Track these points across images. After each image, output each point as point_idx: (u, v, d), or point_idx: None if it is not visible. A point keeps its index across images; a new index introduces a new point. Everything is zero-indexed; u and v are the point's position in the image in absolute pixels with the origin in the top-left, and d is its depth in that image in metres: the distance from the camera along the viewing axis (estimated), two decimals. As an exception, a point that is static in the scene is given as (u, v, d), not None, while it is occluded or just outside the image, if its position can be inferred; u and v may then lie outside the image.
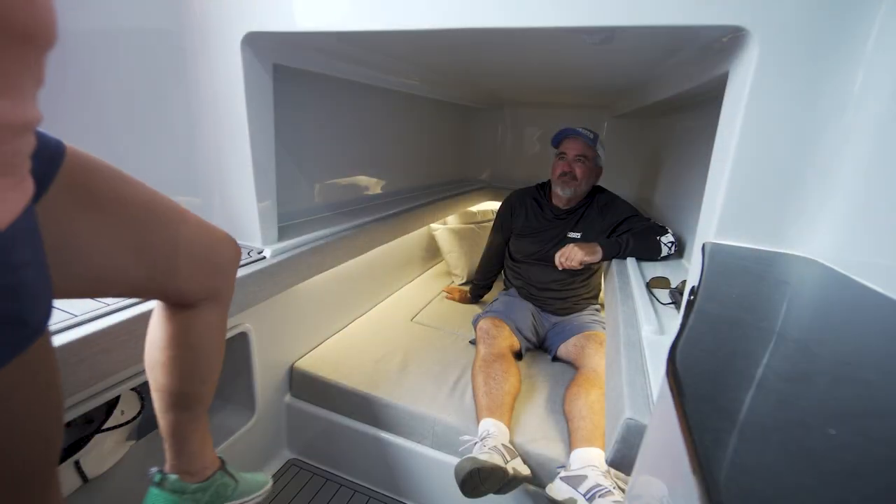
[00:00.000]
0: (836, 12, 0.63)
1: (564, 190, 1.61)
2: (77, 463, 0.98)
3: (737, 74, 0.74)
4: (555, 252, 1.53)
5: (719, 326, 0.42)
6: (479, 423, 1.20)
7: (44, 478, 0.39)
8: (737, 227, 0.75)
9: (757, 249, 0.73)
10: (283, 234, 1.23)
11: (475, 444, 1.13)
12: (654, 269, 1.29)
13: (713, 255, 0.70)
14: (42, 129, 0.43)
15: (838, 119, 0.66)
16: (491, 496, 1.07)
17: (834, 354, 0.38)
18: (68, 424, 0.95)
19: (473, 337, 1.62)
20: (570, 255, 1.47)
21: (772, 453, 0.24)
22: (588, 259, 1.45)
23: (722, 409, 0.28)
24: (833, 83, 0.65)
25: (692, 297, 0.53)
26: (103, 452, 1.04)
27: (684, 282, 1.02)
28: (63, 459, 0.95)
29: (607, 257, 1.46)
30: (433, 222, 2.21)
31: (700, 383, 0.31)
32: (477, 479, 1.01)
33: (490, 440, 1.11)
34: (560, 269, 1.51)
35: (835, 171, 0.67)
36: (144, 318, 0.73)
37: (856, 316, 0.51)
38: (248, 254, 1.09)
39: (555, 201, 1.71)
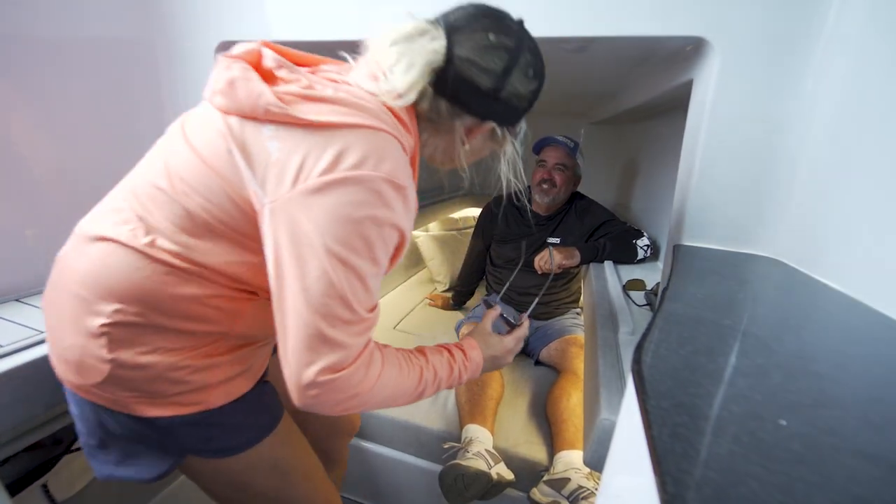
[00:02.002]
0: (789, 22, 0.66)
1: (543, 197, 1.63)
2: (45, 486, 0.94)
3: (700, 82, 0.78)
4: (535, 257, 1.55)
5: (684, 326, 0.43)
6: (462, 429, 1.20)
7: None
8: (704, 229, 0.77)
9: (724, 251, 0.76)
10: (261, 243, 1.21)
11: (459, 450, 1.12)
12: (631, 272, 1.32)
13: (682, 256, 0.72)
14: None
15: (796, 123, 0.69)
16: (475, 502, 1.07)
17: (790, 349, 0.40)
18: (36, 446, 0.92)
19: (456, 343, 1.62)
20: (549, 259, 1.49)
21: (726, 445, 0.25)
22: (566, 263, 1.48)
23: (681, 404, 0.29)
24: (789, 89, 0.69)
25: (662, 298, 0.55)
26: (73, 474, 1.00)
27: (658, 283, 1.05)
28: (30, 482, 0.92)
29: (585, 261, 1.49)
30: (415, 230, 2.21)
31: (661, 380, 0.32)
32: (461, 485, 1.01)
33: (473, 446, 1.10)
34: (539, 273, 1.53)
35: (794, 174, 0.71)
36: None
37: (812, 312, 0.53)
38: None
39: (534, 208, 1.73)
